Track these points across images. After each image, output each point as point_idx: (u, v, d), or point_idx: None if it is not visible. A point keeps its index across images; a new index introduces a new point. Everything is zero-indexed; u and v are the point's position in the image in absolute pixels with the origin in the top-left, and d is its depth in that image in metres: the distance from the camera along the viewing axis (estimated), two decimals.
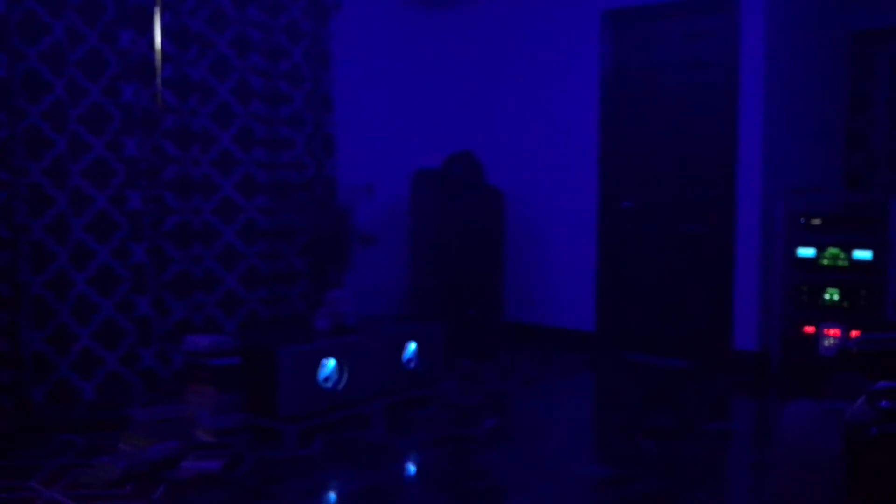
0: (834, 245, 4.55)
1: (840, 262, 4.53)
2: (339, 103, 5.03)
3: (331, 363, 3.61)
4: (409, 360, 4.01)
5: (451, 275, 5.13)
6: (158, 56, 4.06)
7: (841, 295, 4.52)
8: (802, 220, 4.66)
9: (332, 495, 3.05)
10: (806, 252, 4.64)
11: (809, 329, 4.60)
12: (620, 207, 5.30)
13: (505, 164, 5.63)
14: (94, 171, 3.84)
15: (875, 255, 4.42)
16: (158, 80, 4.07)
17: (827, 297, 4.56)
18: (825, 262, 4.58)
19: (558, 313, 5.54)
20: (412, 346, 4.02)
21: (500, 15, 5.72)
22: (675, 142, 5.09)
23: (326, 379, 3.60)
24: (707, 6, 4.92)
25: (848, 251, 4.51)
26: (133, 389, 3.93)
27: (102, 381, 3.85)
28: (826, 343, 4.54)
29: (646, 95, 5.21)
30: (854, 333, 4.42)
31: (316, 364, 3.54)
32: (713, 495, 3.03)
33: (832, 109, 5.59)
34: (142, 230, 3.96)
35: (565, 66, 5.44)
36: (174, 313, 4.14)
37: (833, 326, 4.52)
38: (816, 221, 4.63)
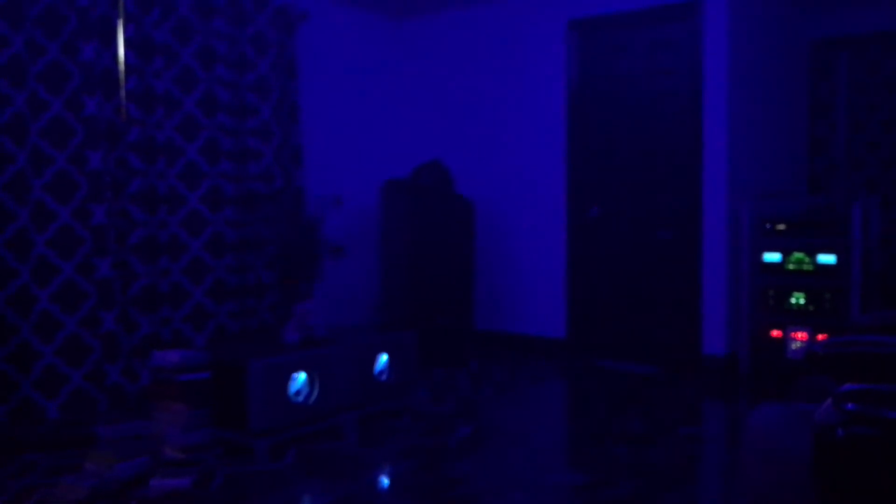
0: (799, 249, 4.63)
1: (805, 267, 4.60)
2: (306, 114, 5.01)
3: (301, 376, 3.58)
4: (381, 372, 3.99)
5: (421, 284, 5.13)
6: (122, 68, 4.01)
7: (807, 298, 4.59)
8: (768, 225, 4.73)
9: None
10: (772, 257, 4.71)
11: (777, 333, 4.66)
12: (588, 215, 5.34)
13: (474, 172, 5.65)
14: (57, 185, 3.78)
15: (839, 258, 4.49)
16: (122, 93, 4.02)
17: (793, 300, 4.63)
18: (791, 266, 4.65)
19: (529, 321, 5.56)
20: (384, 357, 4.00)
21: (468, 24, 5.75)
22: (642, 149, 5.15)
23: (297, 392, 3.57)
24: (671, 15, 4.99)
25: (812, 255, 4.58)
26: (99, 406, 3.86)
27: (67, 398, 3.78)
28: (793, 346, 4.61)
29: (612, 103, 5.26)
30: (821, 336, 4.48)
31: (286, 377, 3.50)
32: (685, 499, 3.05)
33: (794, 115, 5.70)
34: (107, 245, 3.89)
35: (532, 75, 5.48)
36: (141, 328, 4.07)
37: (800, 330, 4.59)
38: (781, 226, 4.70)
